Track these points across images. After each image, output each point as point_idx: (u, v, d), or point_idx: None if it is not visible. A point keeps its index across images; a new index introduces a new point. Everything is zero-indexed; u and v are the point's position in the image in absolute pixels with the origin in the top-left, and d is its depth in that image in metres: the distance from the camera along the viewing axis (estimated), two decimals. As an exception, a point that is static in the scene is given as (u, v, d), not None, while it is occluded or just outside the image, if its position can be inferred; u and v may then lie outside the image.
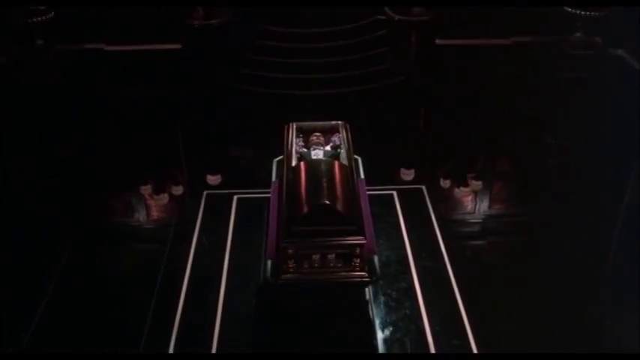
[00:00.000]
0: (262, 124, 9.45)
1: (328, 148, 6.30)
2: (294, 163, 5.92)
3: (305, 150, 6.23)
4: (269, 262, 5.34)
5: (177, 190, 8.79)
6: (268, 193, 6.74)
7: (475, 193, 8.64)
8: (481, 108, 10.53)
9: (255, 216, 7.81)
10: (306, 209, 5.10)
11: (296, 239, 5.05)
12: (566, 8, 10.64)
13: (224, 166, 9.12)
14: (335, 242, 5.09)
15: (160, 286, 6.92)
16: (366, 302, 5.97)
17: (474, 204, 8.46)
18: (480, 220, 8.15)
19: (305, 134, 6.42)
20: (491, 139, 9.93)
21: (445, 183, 8.81)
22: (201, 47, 11.04)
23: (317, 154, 6.14)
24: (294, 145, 6.20)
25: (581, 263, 7.18)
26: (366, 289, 6.05)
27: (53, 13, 10.66)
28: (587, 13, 10.61)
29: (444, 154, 9.67)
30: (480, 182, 8.76)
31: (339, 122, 6.50)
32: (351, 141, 6.29)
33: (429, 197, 8.37)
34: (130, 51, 11.28)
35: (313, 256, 5.14)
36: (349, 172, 5.66)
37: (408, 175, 8.76)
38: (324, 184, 5.34)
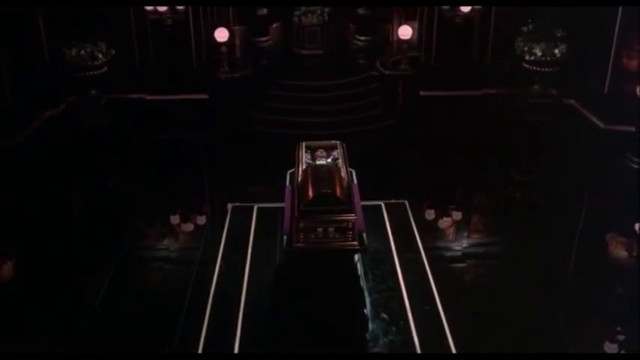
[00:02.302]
0: (273, 159, 10.18)
1: (329, 160, 7.83)
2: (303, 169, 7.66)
3: (311, 161, 7.98)
4: (285, 237, 6.83)
5: (202, 220, 9.80)
6: (282, 204, 7.63)
7: (456, 222, 9.64)
8: (458, 148, 11.64)
9: (271, 218, 9.01)
10: (312, 194, 6.67)
11: (305, 216, 6.57)
12: (526, 65, 11.90)
13: (242, 195, 10.11)
14: (334, 218, 6.58)
15: (193, 280, 8.12)
16: (358, 276, 7.28)
17: (455, 232, 9.45)
18: (459, 247, 9.02)
19: (311, 150, 7.96)
20: (468, 176, 11.11)
21: (430, 214, 9.79)
22: (226, 96, 12.31)
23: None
24: (303, 158, 7.80)
25: (545, 280, 8.11)
26: (358, 267, 7.35)
27: (106, 68, 11.92)
28: (543, 69, 11.83)
29: (428, 188, 10.71)
30: (459, 213, 9.75)
31: (338, 142, 8.13)
32: (346, 155, 7.84)
33: (410, 209, 9.57)
34: (166, 100, 12.59)
35: (318, 230, 6.57)
36: (344, 173, 7.49)
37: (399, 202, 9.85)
38: (326, 178, 6.94)
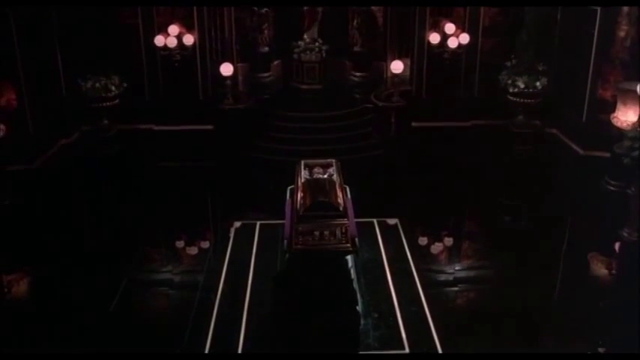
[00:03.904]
0: (274, 184, 10.69)
1: (326, 175, 8.58)
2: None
3: (309, 177, 8.69)
4: (285, 241, 7.54)
5: (205, 245, 10.33)
6: (283, 220, 8.14)
7: (448, 248, 10.12)
8: (449, 176, 12.23)
9: (273, 233, 9.60)
10: (309, 202, 7.45)
11: (303, 221, 7.30)
12: (510, 97, 12.50)
13: (245, 217, 10.68)
14: (329, 223, 7.31)
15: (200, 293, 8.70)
16: (351, 279, 7.94)
17: (447, 258, 9.93)
18: (452, 271, 9.41)
19: (309, 167, 8.62)
20: (458, 201, 11.59)
21: (422, 240, 10.25)
22: (229, 126, 12.81)
23: (318, 178, 8.59)
24: (302, 174, 8.47)
25: (529, 294, 8.59)
26: (351, 272, 8.08)
27: (118, 100, 12.52)
28: (526, 100, 12.42)
29: (419, 210, 11.30)
30: (451, 239, 10.27)
31: (333, 160, 8.84)
32: (341, 171, 8.56)
33: (401, 226, 10.26)
34: (173, 130, 13.12)
35: (315, 233, 7.29)
36: (339, 185, 8.20)
37: (392, 221, 10.47)
38: (322, 189, 7.74)
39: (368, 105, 13.75)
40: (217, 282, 8.86)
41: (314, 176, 8.60)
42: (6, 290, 9.03)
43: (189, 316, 8.17)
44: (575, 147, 12.35)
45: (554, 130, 13.04)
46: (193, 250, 10.14)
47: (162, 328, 8.18)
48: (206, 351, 7.48)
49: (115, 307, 8.39)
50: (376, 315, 8.03)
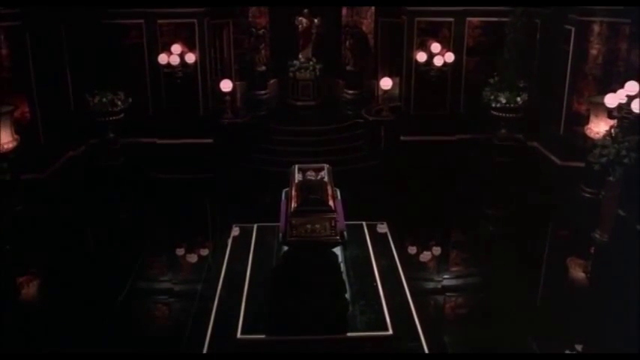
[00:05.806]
0: (270, 194, 10.72)
1: (318, 177, 9.38)
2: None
3: (302, 179, 9.38)
4: (281, 234, 8.14)
5: (204, 252, 10.76)
6: (279, 223, 8.48)
7: (432, 250, 10.63)
8: (435, 186, 12.72)
9: (269, 233, 10.24)
10: (302, 199, 8.12)
11: (297, 216, 7.95)
12: (493, 112, 13.14)
13: (243, 223, 11.03)
14: (320, 217, 7.94)
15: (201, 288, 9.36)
16: (341, 272, 8.53)
17: (435, 266, 10.34)
18: (440, 279, 9.78)
19: (303, 171, 9.32)
20: (444, 210, 12.13)
21: (412, 249, 10.72)
22: (228, 139, 13.49)
23: (311, 182, 9.26)
24: (296, 176, 9.13)
25: (512, 295, 9.10)
26: (341, 267, 8.60)
27: (123, 115, 13.11)
28: (508, 115, 13.07)
29: (407, 219, 11.73)
30: (439, 248, 10.77)
31: (325, 165, 9.55)
32: (332, 175, 9.22)
33: (388, 229, 10.79)
34: (175, 143, 13.71)
35: (307, 226, 7.92)
36: (330, 186, 8.85)
37: (382, 228, 11.03)
38: (314, 188, 8.38)
39: (359, 120, 14.45)
40: (218, 276, 9.49)
41: (307, 178, 9.29)
42: (14, 292, 9.60)
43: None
44: (553, 158, 13.02)
45: (534, 143, 13.75)
46: (197, 251, 10.74)
47: (165, 315, 8.98)
48: (208, 335, 8.12)
49: (118, 309, 8.84)
50: (363, 302, 8.64)
